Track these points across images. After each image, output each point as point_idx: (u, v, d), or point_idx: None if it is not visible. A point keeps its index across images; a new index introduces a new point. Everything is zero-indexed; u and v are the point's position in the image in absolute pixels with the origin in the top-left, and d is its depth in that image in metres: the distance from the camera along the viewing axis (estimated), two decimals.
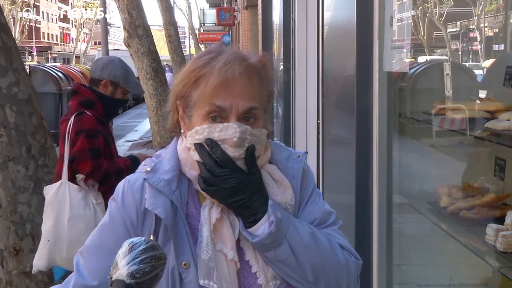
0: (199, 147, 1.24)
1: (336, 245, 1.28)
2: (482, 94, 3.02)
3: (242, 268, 1.27)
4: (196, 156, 1.26)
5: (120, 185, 1.33)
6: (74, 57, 56.35)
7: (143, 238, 1.03)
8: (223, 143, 1.22)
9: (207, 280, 1.22)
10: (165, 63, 19.64)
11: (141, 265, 0.99)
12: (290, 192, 1.30)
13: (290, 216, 1.27)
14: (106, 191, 3.01)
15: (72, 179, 3.02)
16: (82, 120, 3.02)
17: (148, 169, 1.29)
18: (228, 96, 1.22)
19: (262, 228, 1.22)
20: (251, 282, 1.26)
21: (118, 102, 3.29)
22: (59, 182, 3.06)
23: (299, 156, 1.37)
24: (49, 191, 3.06)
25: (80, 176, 3.01)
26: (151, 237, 1.26)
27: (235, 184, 1.21)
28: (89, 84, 3.29)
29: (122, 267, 0.99)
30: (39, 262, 3.06)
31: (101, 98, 3.18)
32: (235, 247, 1.25)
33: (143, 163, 1.35)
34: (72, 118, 3.03)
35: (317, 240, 1.25)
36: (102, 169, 3.01)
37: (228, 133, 1.21)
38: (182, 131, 1.33)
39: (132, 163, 3.24)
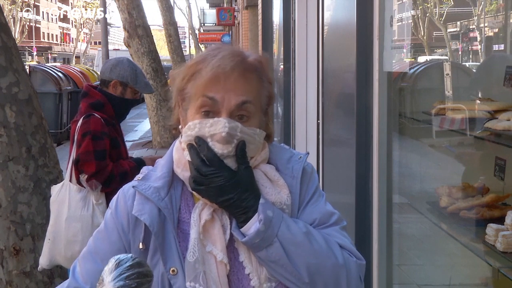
0: (190, 146, 1.25)
1: (334, 244, 1.25)
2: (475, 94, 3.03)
3: (236, 269, 1.26)
4: (188, 156, 1.26)
5: (117, 193, 1.37)
6: (74, 57, 56.39)
7: (130, 255, 1.05)
8: (212, 138, 1.22)
9: (193, 283, 1.22)
10: None
11: (127, 281, 1.00)
12: (286, 192, 1.28)
13: (284, 215, 1.24)
14: (110, 192, 3.04)
15: (78, 179, 3.07)
16: (89, 122, 3.07)
17: (141, 177, 1.32)
18: (220, 89, 1.23)
19: (253, 227, 1.20)
20: (245, 284, 1.24)
21: (128, 102, 3.32)
22: (62, 182, 3.14)
23: (300, 157, 1.36)
24: (53, 191, 3.14)
25: (83, 176, 3.05)
26: (141, 245, 1.27)
27: (222, 183, 1.21)
28: (99, 85, 3.33)
29: (108, 283, 1.00)
30: (42, 259, 3.13)
31: (111, 99, 3.22)
32: (225, 249, 1.24)
33: (141, 170, 1.37)
34: (80, 120, 3.09)
35: (312, 240, 1.22)
36: (106, 170, 3.06)
37: (217, 127, 1.21)
38: (180, 127, 1.33)
39: (137, 165, 3.25)
